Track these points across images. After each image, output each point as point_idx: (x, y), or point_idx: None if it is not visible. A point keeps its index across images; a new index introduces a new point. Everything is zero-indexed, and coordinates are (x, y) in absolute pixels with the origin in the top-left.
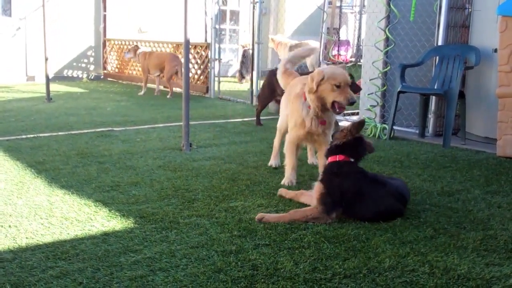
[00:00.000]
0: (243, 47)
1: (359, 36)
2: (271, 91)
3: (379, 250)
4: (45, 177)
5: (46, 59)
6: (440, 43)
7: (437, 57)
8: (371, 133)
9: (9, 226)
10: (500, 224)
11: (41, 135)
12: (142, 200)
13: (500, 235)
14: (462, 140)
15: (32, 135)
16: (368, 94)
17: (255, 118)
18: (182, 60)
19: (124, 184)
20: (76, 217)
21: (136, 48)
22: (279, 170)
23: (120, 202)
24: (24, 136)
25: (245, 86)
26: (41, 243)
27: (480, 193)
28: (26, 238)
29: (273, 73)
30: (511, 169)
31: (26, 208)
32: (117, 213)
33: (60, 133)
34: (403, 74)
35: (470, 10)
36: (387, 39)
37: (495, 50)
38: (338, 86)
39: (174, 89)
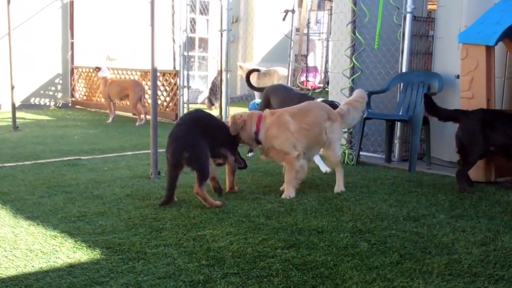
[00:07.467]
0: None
1: (326, 63)
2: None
3: (346, 277)
4: (10, 208)
5: (13, 87)
6: (404, 70)
7: (402, 84)
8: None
9: None
10: (465, 248)
11: (6, 165)
12: (109, 230)
13: (465, 259)
14: (427, 164)
15: None
16: None
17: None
18: (146, 87)
19: (90, 214)
20: (41, 249)
21: (97, 69)
22: (247, 197)
23: (86, 233)
24: None
25: (214, 112)
26: (4, 276)
27: (445, 217)
28: None
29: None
30: (475, 193)
31: None
32: (83, 244)
33: (26, 162)
34: (369, 100)
35: (432, 37)
36: (353, 66)
37: (457, 76)
38: None
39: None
